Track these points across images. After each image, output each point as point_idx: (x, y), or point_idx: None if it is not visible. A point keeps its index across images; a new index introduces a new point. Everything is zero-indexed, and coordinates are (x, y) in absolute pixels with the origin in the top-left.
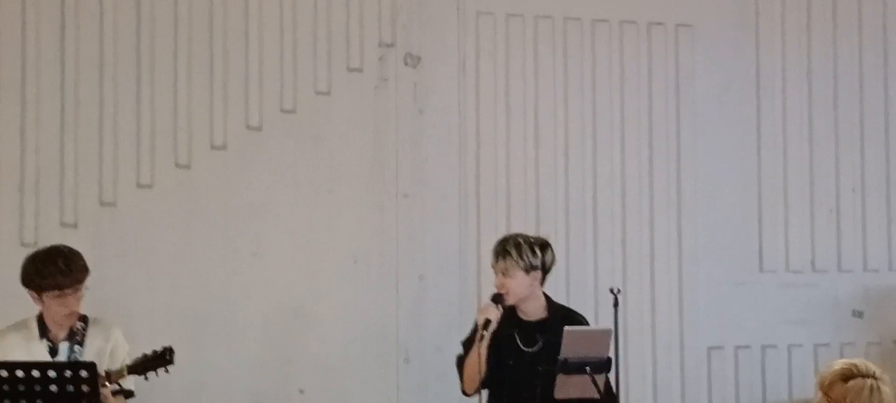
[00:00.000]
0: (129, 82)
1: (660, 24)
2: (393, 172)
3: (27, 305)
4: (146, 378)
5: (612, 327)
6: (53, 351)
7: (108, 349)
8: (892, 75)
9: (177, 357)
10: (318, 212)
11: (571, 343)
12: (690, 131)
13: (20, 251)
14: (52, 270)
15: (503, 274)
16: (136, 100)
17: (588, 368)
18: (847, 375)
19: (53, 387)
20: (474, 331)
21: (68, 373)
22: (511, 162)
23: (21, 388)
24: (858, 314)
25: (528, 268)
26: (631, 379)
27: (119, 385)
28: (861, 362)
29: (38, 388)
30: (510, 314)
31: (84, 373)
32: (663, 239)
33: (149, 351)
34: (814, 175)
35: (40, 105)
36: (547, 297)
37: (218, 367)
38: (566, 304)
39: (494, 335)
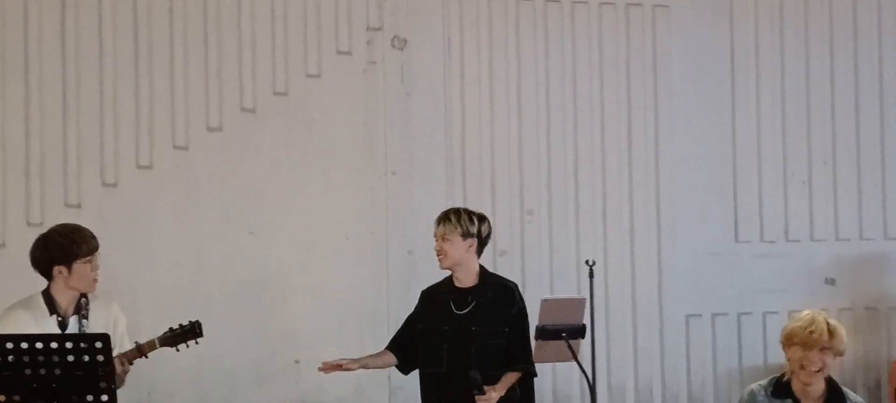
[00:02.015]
0: (128, 68)
1: (637, 5)
2: (382, 152)
3: (34, 282)
4: (177, 350)
5: (588, 296)
6: (63, 326)
7: (111, 322)
8: (862, 52)
9: None
10: (311, 191)
11: (548, 311)
12: (667, 108)
13: (27, 231)
14: (84, 236)
15: (442, 238)
16: (135, 85)
17: (564, 334)
18: (832, 327)
19: (70, 358)
20: (407, 324)
21: (84, 345)
22: (495, 140)
23: (40, 359)
24: (831, 281)
25: (465, 235)
26: (612, 347)
27: (147, 355)
28: (818, 312)
29: (56, 359)
30: (448, 283)
31: (98, 344)
32: (642, 212)
33: (175, 325)
34: (787, 148)
35: (43, 92)
36: (481, 267)
37: (217, 340)
38: (549, 276)
39: (430, 304)
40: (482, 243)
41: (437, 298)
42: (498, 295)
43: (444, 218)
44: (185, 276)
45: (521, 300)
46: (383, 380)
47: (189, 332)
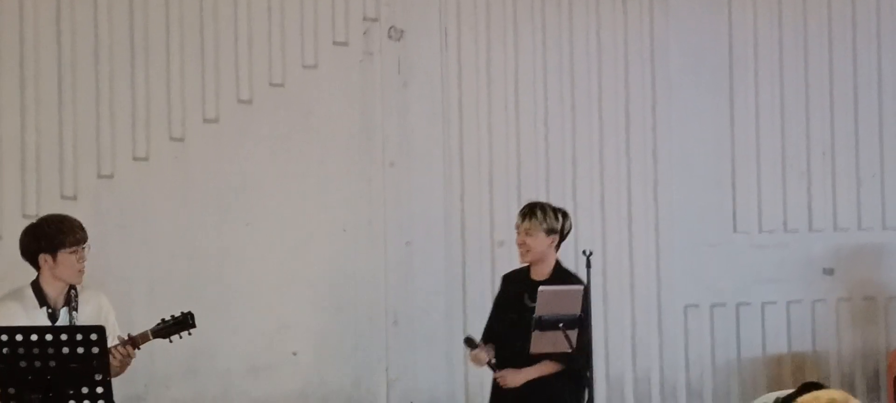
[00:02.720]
0: (123, 59)
1: None
2: (379, 143)
3: (29, 274)
4: (170, 341)
5: (583, 287)
6: (53, 318)
7: (101, 313)
8: (861, 43)
9: None
10: (308, 182)
11: (545, 301)
12: (665, 99)
13: (23, 222)
14: (71, 226)
15: (526, 232)
16: (131, 77)
17: (561, 324)
18: None
19: (65, 350)
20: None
21: (79, 336)
22: (493, 131)
23: (35, 351)
24: (829, 271)
25: (549, 231)
26: (611, 338)
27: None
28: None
29: (51, 351)
30: (525, 273)
31: (94, 336)
32: (640, 203)
33: (168, 316)
34: (785, 139)
35: (39, 84)
36: (557, 261)
37: (214, 333)
38: None
39: (506, 291)
40: (563, 238)
41: (514, 287)
42: None
43: (530, 213)
44: (182, 268)
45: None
46: (381, 371)
47: (181, 323)
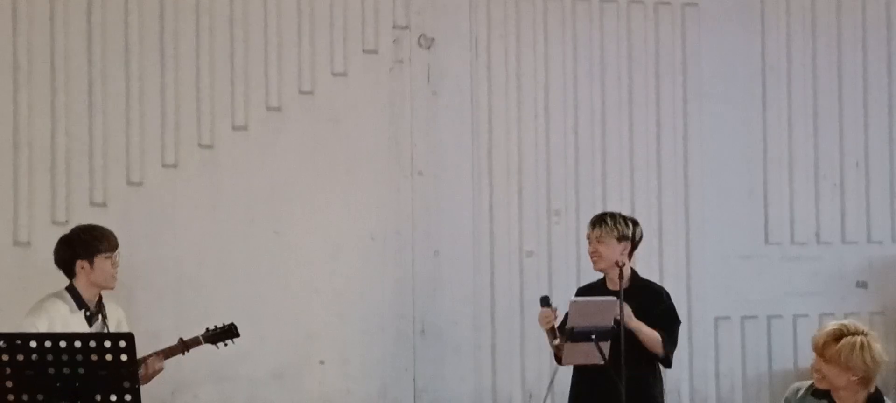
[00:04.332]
0: (153, 66)
1: (666, 3)
2: (408, 151)
3: (58, 280)
4: (217, 347)
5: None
6: (91, 320)
7: (123, 321)
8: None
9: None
10: (337, 191)
11: (577, 312)
12: (697, 108)
13: (52, 229)
14: (105, 233)
15: (598, 240)
16: (161, 84)
17: (593, 336)
18: (838, 335)
19: (94, 357)
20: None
21: (108, 344)
22: (522, 140)
23: (64, 358)
24: (862, 284)
25: (621, 238)
26: None
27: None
28: (851, 322)
29: (79, 358)
30: (601, 284)
31: (122, 344)
32: (671, 213)
33: (211, 325)
34: (818, 149)
35: (69, 91)
36: (633, 270)
37: (241, 340)
38: (576, 277)
39: None
40: (635, 246)
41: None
42: (647, 299)
43: (600, 221)
44: (210, 275)
45: (668, 300)
46: (408, 382)
47: (228, 332)
